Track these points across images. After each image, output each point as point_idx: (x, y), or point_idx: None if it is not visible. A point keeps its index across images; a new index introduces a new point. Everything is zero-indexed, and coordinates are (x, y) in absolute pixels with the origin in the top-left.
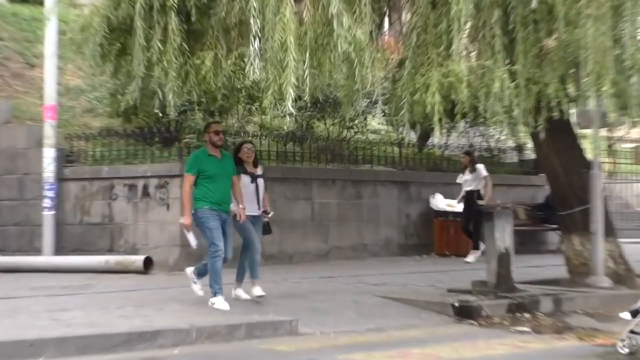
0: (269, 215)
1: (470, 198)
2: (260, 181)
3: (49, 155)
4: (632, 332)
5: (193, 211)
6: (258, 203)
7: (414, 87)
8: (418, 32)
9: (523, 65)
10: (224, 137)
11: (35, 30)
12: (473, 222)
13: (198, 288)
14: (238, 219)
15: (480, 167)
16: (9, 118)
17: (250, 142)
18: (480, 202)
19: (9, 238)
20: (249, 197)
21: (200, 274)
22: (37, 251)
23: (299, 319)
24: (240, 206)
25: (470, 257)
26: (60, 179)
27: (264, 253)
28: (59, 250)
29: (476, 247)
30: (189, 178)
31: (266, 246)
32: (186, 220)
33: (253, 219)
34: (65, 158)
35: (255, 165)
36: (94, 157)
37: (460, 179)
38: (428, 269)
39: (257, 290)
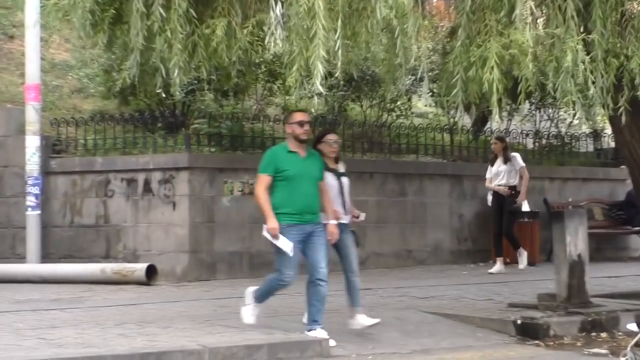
0: (360, 219)
1: (502, 194)
2: (345, 180)
3: (32, 145)
4: (638, 345)
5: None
6: (344, 207)
7: (468, 61)
8: None
9: (601, 35)
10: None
11: None
12: (503, 224)
13: (249, 314)
14: (329, 237)
15: (516, 155)
16: None
17: (334, 131)
18: (512, 199)
19: None
20: (333, 200)
21: (260, 297)
22: (21, 258)
23: (331, 338)
24: (332, 222)
25: (495, 267)
26: (46, 172)
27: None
28: (45, 257)
29: (499, 254)
30: (264, 179)
31: None
32: (271, 223)
33: (340, 227)
34: (51, 148)
35: (337, 160)
36: (85, 147)
37: (490, 171)
38: (485, 280)
39: (363, 319)
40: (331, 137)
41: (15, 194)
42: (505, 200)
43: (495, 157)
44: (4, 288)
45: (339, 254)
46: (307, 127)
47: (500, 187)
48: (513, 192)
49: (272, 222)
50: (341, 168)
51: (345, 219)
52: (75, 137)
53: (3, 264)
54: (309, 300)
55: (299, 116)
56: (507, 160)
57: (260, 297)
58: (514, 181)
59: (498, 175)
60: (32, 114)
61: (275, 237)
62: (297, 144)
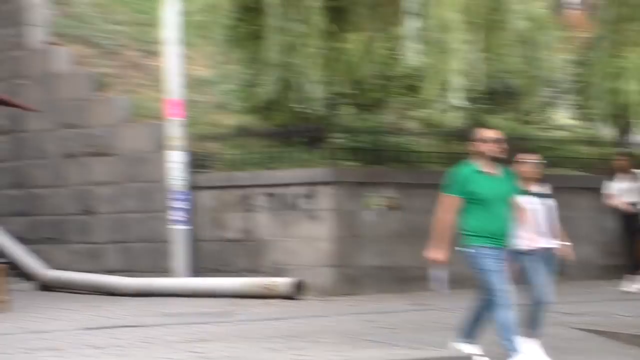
0: (563, 247)
1: (630, 212)
2: (550, 202)
3: (176, 160)
4: None
5: (462, 247)
6: (549, 231)
7: (607, 72)
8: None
9: None
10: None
11: (154, 12)
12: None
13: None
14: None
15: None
16: (128, 116)
17: (531, 150)
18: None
19: (135, 257)
20: (538, 225)
21: (469, 335)
22: (166, 272)
23: (484, 354)
24: (562, 243)
25: (635, 285)
26: (191, 187)
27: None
28: (192, 270)
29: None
30: (450, 201)
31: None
32: (439, 254)
33: (544, 253)
34: (195, 163)
35: (538, 181)
36: (228, 162)
37: (611, 187)
38: (637, 296)
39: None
40: (527, 157)
41: (162, 208)
42: (632, 218)
43: (616, 173)
44: (154, 301)
45: (532, 280)
46: (502, 144)
47: (627, 205)
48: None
49: (441, 253)
50: (543, 189)
51: (551, 244)
52: (217, 152)
53: (151, 278)
54: (483, 318)
55: (492, 133)
56: (633, 176)
57: (470, 335)
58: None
59: (623, 192)
60: (175, 130)
61: (439, 267)
62: (489, 163)
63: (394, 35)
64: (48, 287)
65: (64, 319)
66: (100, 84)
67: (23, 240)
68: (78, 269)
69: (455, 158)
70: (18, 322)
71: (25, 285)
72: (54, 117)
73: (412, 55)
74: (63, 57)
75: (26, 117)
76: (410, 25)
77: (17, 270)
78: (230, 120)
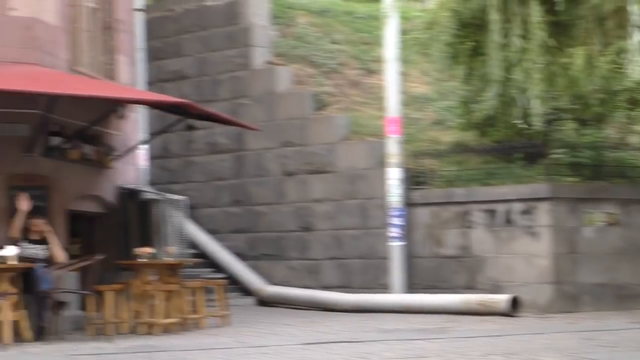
0: None
1: None
2: None
3: (394, 177)
4: None
5: None
6: None
7: None
8: None
9: None
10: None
11: (373, 31)
12: None
13: None
14: None
15: None
16: (347, 134)
17: None
18: None
19: (352, 273)
20: None
21: None
22: (384, 288)
23: None
24: None
25: None
26: (408, 203)
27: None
28: (408, 286)
29: None
30: None
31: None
32: None
33: None
34: (412, 179)
35: None
36: (445, 178)
37: None
38: None
39: None
40: None
41: (379, 225)
42: None
43: None
44: (371, 317)
45: None
46: None
47: None
48: None
49: None
50: None
51: None
52: (435, 169)
53: (369, 294)
54: None
55: None
56: None
57: None
58: None
59: None
60: (393, 147)
61: None
62: None
63: (617, 49)
64: (266, 302)
65: (283, 334)
66: (320, 103)
67: (243, 256)
68: (296, 285)
69: None
70: (237, 337)
71: (245, 300)
72: (274, 135)
73: (637, 68)
74: (284, 77)
75: (248, 136)
76: (636, 39)
77: (236, 286)
78: (448, 136)
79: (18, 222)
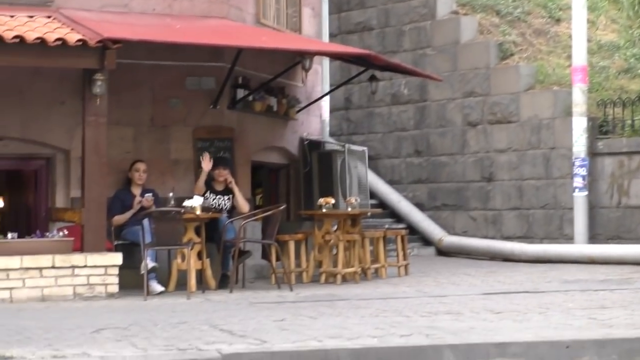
0: None
1: None
2: None
3: (579, 126)
4: None
5: None
6: None
7: None
8: None
9: None
10: None
11: None
12: None
13: None
14: None
15: None
16: (531, 83)
17: None
18: None
19: (534, 223)
20: None
21: None
22: (567, 239)
23: None
24: None
25: None
26: (593, 153)
27: None
28: (592, 237)
29: None
30: None
31: None
32: None
33: None
34: (597, 129)
35: None
36: (632, 127)
37: None
38: None
39: None
40: None
41: (562, 175)
42: None
43: None
44: (552, 268)
45: None
46: None
47: None
48: None
49: None
50: None
51: None
52: (621, 118)
53: (551, 245)
54: None
55: None
56: None
57: None
58: None
59: None
60: (578, 96)
61: None
62: None
63: None
64: (446, 252)
65: (463, 284)
66: (505, 52)
67: (423, 206)
68: (477, 235)
69: None
70: (417, 286)
71: (425, 250)
72: (457, 86)
73: None
74: (469, 27)
75: (430, 87)
76: None
77: (416, 236)
78: (636, 85)
79: (200, 181)
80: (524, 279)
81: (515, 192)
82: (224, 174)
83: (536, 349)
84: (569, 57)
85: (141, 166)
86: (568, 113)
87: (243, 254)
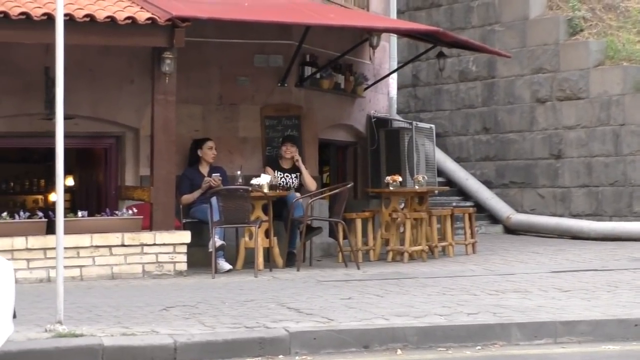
0: None
1: None
2: None
3: None
4: None
5: None
6: None
7: None
8: None
9: None
10: None
11: None
12: None
13: None
14: None
15: None
16: (601, 59)
17: None
18: None
19: (603, 201)
20: None
21: None
22: (636, 216)
23: None
24: None
25: None
26: None
27: None
28: None
29: None
30: None
31: None
32: None
33: None
34: None
35: None
36: None
37: None
38: None
39: None
40: None
41: (632, 152)
42: None
43: None
44: (621, 246)
45: None
46: None
47: None
48: None
49: None
50: None
51: None
52: None
53: (619, 222)
54: None
55: None
56: None
57: None
58: None
59: None
60: None
61: None
62: None
63: None
64: (514, 230)
65: (530, 262)
66: (574, 28)
67: (491, 184)
68: (545, 213)
69: None
70: (484, 264)
71: (492, 228)
72: (525, 62)
73: None
74: (538, 2)
75: (498, 63)
76: None
77: (484, 214)
78: None
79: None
80: (593, 256)
81: (584, 170)
82: (291, 151)
83: (604, 327)
84: (639, 32)
85: (211, 143)
86: (638, 89)
87: (313, 230)
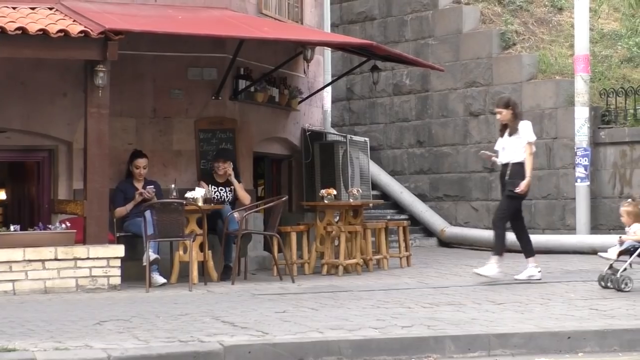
0: None
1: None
2: None
3: (581, 116)
4: None
5: None
6: None
7: None
8: None
9: None
10: None
11: None
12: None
13: None
14: None
15: (525, 126)
16: (533, 73)
17: None
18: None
19: (536, 214)
20: None
21: None
22: (569, 229)
23: None
24: None
25: (485, 268)
26: (595, 143)
27: None
28: (594, 228)
29: (499, 253)
30: None
31: None
32: None
33: None
34: (600, 118)
35: None
36: (635, 117)
37: (498, 144)
38: None
39: None
40: None
41: (565, 165)
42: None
43: (505, 128)
44: (554, 258)
45: None
46: None
47: None
48: None
49: None
50: None
51: None
52: (624, 107)
53: (553, 235)
54: None
55: None
56: (514, 131)
57: None
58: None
59: (502, 152)
60: (581, 85)
61: None
62: None
63: None
64: (448, 243)
65: (465, 275)
66: (507, 42)
67: (425, 197)
68: (479, 226)
69: None
70: (419, 277)
71: (427, 241)
72: (459, 76)
73: None
74: (471, 16)
75: (432, 77)
76: None
77: (418, 227)
78: (638, 74)
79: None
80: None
81: None
82: (223, 167)
83: (537, 339)
84: (571, 46)
85: (141, 162)
86: (570, 103)
87: (245, 241)
